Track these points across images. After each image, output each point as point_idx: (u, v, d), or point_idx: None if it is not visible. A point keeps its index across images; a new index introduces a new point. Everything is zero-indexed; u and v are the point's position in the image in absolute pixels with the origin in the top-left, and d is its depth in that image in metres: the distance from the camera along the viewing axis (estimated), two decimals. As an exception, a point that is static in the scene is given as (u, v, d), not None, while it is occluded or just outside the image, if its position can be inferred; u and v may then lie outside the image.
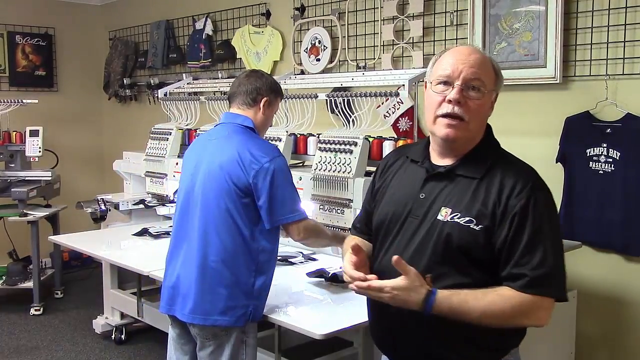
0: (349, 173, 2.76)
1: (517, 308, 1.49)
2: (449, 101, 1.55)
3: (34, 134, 4.78)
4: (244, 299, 2.21)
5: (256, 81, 2.41)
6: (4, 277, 4.82)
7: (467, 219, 1.53)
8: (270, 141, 2.95)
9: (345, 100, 2.99)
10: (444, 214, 1.55)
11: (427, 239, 1.57)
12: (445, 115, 1.56)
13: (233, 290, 2.20)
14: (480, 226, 1.52)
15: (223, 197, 2.22)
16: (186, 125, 3.93)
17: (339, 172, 2.80)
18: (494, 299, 1.49)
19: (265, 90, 2.41)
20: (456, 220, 1.53)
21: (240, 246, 2.21)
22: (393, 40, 3.54)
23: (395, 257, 1.48)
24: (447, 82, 1.56)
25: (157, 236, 3.52)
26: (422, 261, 1.55)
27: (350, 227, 2.78)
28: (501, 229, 1.51)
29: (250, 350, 2.28)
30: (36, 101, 5.13)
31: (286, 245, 3.03)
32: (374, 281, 1.52)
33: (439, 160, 1.66)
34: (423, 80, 1.74)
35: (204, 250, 2.23)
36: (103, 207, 4.13)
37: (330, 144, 2.87)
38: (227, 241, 2.21)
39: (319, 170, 2.88)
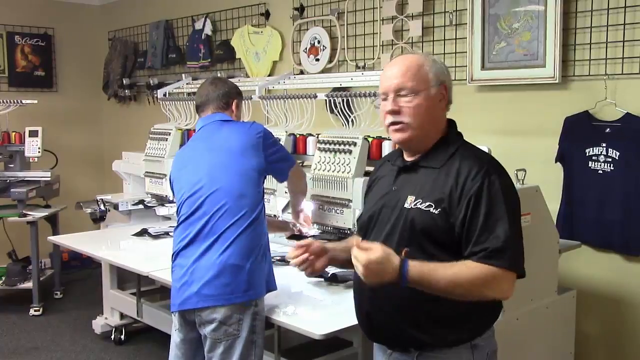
0: (348, 173, 2.76)
1: (481, 278, 1.60)
2: (388, 112, 1.75)
3: (34, 134, 4.79)
4: (260, 271, 2.30)
5: (224, 86, 2.63)
6: (3, 278, 4.82)
7: (427, 204, 1.69)
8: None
9: (345, 100, 3.00)
10: (409, 202, 1.72)
11: (395, 225, 1.74)
12: (389, 125, 1.77)
13: (252, 266, 2.27)
14: (438, 209, 1.67)
15: (235, 183, 2.33)
16: (185, 126, 3.93)
17: (338, 172, 2.80)
18: (460, 269, 1.61)
19: (233, 94, 2.64)
20: (418, 206, 1.70)
21: (250, 226, 2.30)
22: (392, 40, 3.54)
23: (355, 241, 1.62)
24: (384, 98, 1.76)
25: (156, 236, 3.52)
26: (391, 245, 1.67)
27: (348, 227, 2.82)
28: (458, 210, 1.65)
29: (258, 351, 2.30)
30: (35, 101, 5.13)
31: (286, 245, 3.03)
32: (355, 249, 1.59)
33: (408, 157, 1.84)
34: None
35: (221, 240, 2.27)
36: (102, 208, 4.13)
37: (330, 144, 2.88)
38: (241, 224, 2.28)
39: (319, 170, 2.88)
